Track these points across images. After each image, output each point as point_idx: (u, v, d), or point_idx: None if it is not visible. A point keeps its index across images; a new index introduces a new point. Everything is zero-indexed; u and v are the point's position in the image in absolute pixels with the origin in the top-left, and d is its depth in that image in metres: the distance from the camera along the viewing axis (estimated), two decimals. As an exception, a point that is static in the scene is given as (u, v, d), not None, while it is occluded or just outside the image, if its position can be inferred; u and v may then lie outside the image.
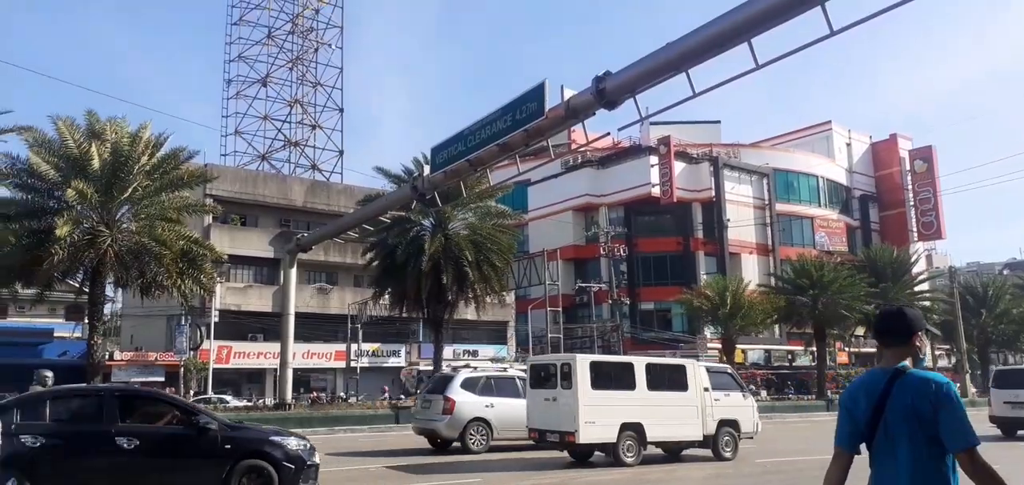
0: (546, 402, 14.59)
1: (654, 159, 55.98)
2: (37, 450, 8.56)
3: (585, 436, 13.71)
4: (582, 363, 14.22)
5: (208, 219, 37.12)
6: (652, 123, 50.20)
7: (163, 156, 24.38)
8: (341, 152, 61.08)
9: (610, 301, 54.17)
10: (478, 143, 16.96)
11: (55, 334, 41.51)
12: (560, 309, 41.45)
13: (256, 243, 42.22)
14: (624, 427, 14.05)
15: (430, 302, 29.37)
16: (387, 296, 31.36)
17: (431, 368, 32.41)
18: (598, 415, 13.82)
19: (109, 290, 28.20)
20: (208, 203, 30.07)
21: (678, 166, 55.93)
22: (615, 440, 13.97)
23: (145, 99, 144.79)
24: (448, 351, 37.67)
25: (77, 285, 26.04)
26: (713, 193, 56.96)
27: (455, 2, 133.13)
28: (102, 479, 8.97)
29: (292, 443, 9.85)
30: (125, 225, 23.65)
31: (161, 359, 38.65)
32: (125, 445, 8.87)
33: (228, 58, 61.09)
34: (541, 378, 15.19)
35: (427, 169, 19.91)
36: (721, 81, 12.61)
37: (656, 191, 55.64)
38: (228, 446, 9.36)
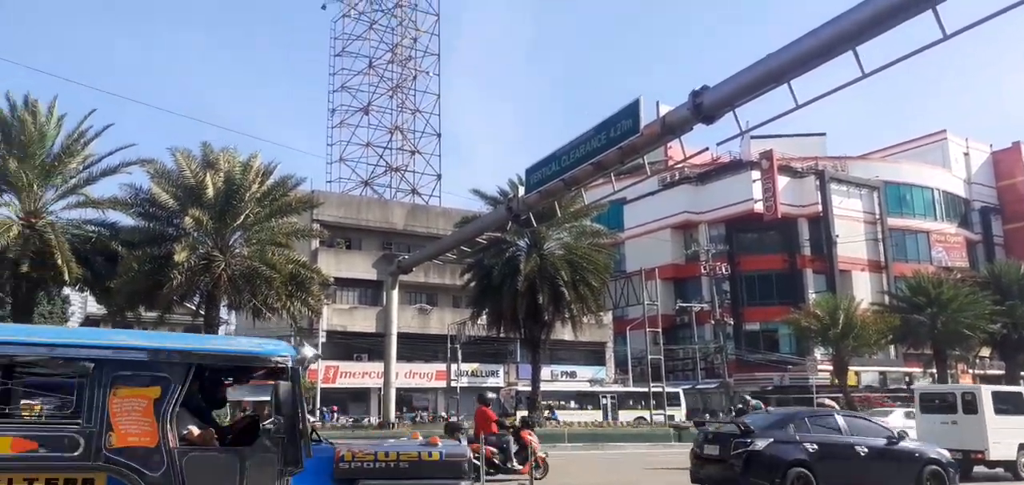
0: (944, 425, 16.75)
1: (756, 174, 54.29)
2: (814, 453, 11.30)
3: (994, 454, 15.95)
4: (986, 393, 16.62)
5: (315, 243, 38.50)
6: (753, 137, 48.80)
7: (272, 184, 25.52)
8: (439, 176, 62.23)
9: (712, 321, 52.64)
10: (572, 162, 16.92)
11: (176, 355, 43.85)
12: (659, 330, 40.75)
13: (360, 266, 43.49)
14: (1021, 447, 16.20)
15: (527, 322, 29.45)
16: (484, 316, 31.64)
17: (529, 388, 32.42)
18: (1001, 436, 16.04)
19: (223, 312, 29.65)
20: (315, 228, 31.23)
21: (782, 181, 54.02)
22: (1015, 457, 16.14)
23: (255, 130, 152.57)
24: (545, 372, 37.60)
25: (194, 308, 27.51)
26: (820, 208, 54.68)
27: (548, 26, 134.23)
28: (851, 476, 11.63)
29: (945, 452, 12.73)
30: (238, 250, 24.84)
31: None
32: (860, 451, 11.67)
33: (332, 89, 63.52)
34: (936, 405, 17.80)
35: (522, 190, 20.04)
36: (825, 92, 12.10)
37: (759, 207, 53.90)
38: (917, 454, 12.30)
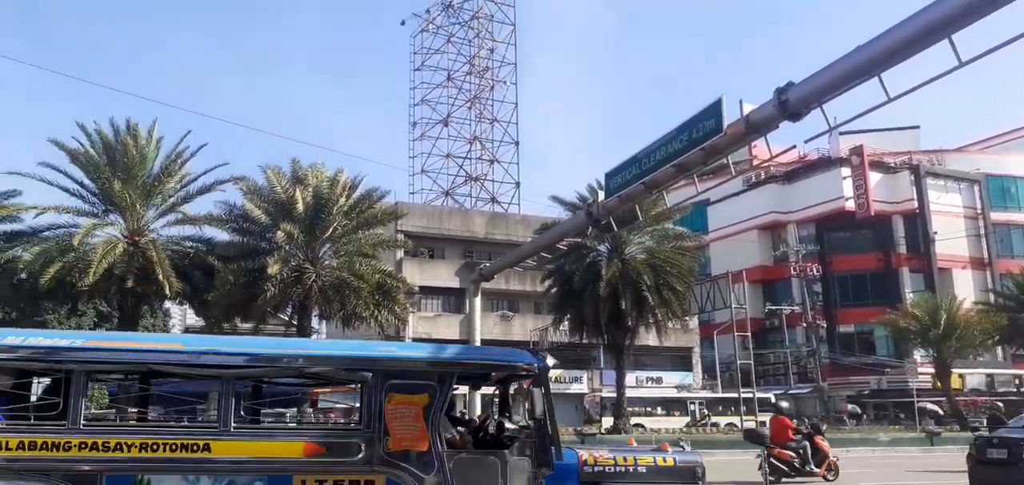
0: None
1: (846, 171, 52.35)
2: None
3: None
4: None
5: (399, 253, 39.25)
6: (842, 133, 47.08)
7: (358, 197, 26.26)
8: (518, 184, 62.47)
9: (804, 324, 51.01)
10: (653, 165, 16.64)
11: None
12: (748, 334, 39.58)
13: (443, 274, 44.10)
14: None
15: (609, 328, 29.20)
16: (566, 322, 31.53)
17: (614, 395, 32.14)
18: None
19: (314, 322, 30.63)
20: (399, 238, 31.92)
21: (874, 177, 51.93)
22: None
23: (340, 145, 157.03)
24: (630, 378, 37.18)
25: (286, 318, 28.52)
26: (915, 204, 52.29)
27: (626, 30, 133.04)
28: None
29: None
30: (327, 262, 25.66)
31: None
32: None
33: (412, 102, 64.77)
34: None
35: (601, 195, 19.86)
36: (919, 83, 11.54)
37: (850, 205, 51.95)
38: None
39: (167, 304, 38.36)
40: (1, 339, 5.98)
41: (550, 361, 7.14)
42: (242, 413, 6.31)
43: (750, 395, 37.95)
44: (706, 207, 53.01)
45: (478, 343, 30.17)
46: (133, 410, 7.35)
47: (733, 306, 38.91)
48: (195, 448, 5.80)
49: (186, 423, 7.41)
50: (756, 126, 14.07)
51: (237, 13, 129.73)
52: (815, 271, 52.14)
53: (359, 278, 24.80)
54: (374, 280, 25.38)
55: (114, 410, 6.68)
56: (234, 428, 5.91)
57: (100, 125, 24.34)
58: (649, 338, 32.72)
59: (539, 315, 43.56)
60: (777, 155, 16.94)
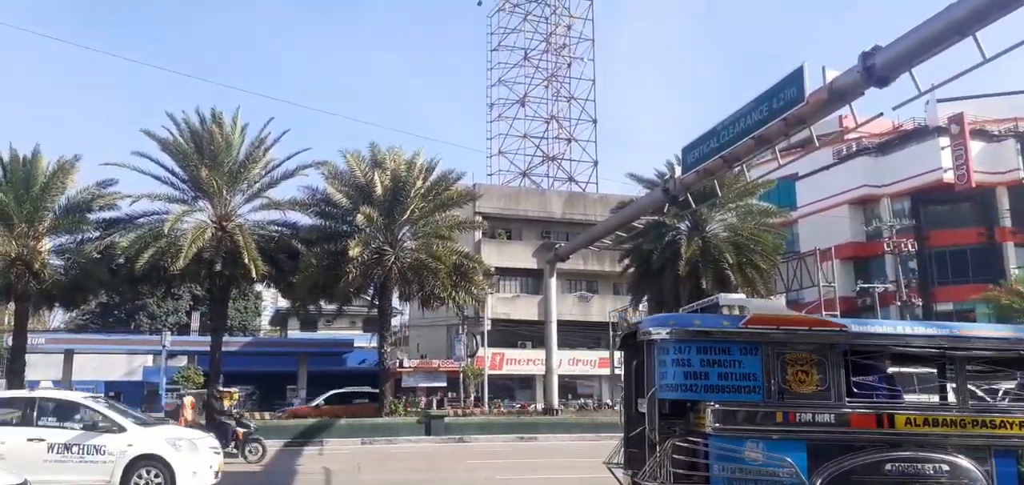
0: None
1: (945, 140, 49.36)
2: None
3: None
4: None
5: (478, 234, 39.54)
6: (940, 100, 44.63)
7: (435, 179, 26.55)
8: (595, 162, 61.89)
9: (898, 303, 48.67)
10: (732, 138, 16.17)
11: (355, 344, 46.70)
12: (837, 313, 38.07)
13: (521, 255, 44.15)
14: None
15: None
16: (645, 303, 31.11)
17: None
18: None
19: (396, 303, 31.21)
20: (477, 220, 32.10)
21: (975, 146, 48.83)
22: None
23: (418, 128, 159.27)
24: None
25: (368, 299, 29.12)
26: (1022, 174, 48.99)
27: (709, 3, 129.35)
28: None
29: None
30: (406, 244, 26.07)
31: (443, 366, 41.73)
32: None
33: (489, 83, 64.80)
34: None
35: (678, 171, 19.44)
36: (1020, 41, 10.74)
37: (949, 176, 49.04)
38: None
39: (258, 287, 39.82)
40: (902, 328, 7.27)
41: None
42: None
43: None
44: (794, 182, 51.21)
45: (554, 324, 30.16)
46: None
47: (821, 284, 37.54)
48: None
49: None
50: (841, 93, 13.47)
51: None
52: (911, 247, 49.60)
53: (437, 259, 25.09)
54: (451, 261, 25.63)
55: (993, 392, 7.83)
56: None
57: (188, 114, 25.25)
58: (732, 318, 31.96)
59: (618, 296, 43.11)
60: (863, 123, 16.17)
